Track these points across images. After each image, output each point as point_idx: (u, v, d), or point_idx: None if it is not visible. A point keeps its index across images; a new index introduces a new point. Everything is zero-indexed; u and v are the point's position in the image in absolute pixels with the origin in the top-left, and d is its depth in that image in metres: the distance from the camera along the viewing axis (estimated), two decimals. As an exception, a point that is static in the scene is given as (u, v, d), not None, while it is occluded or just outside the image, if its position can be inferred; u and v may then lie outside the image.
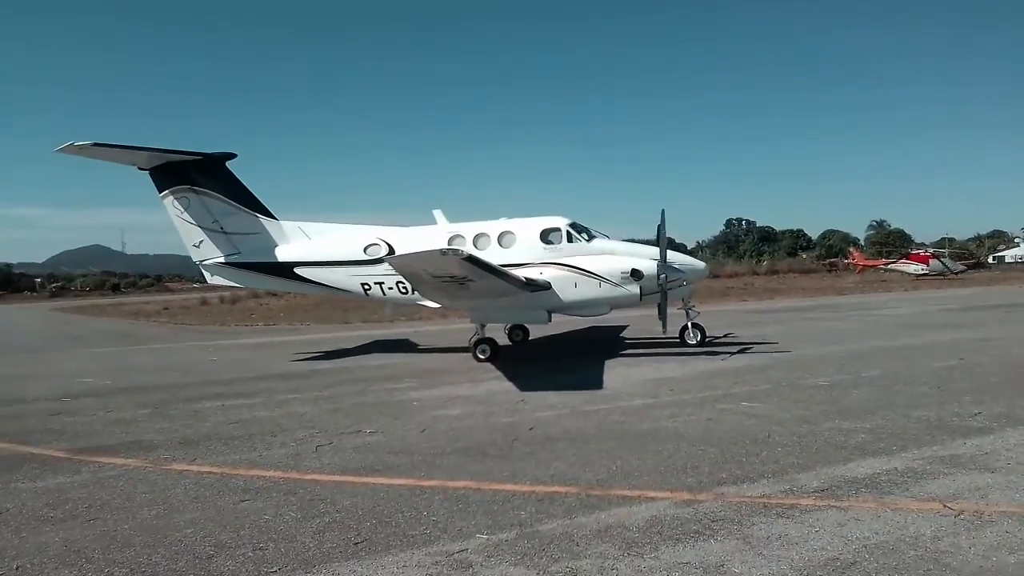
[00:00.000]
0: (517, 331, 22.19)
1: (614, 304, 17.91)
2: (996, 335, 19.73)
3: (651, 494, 7.19)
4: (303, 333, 30.11)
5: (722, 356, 17.11)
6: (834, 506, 6.69)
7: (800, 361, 16.00)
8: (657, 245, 18.97)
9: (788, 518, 6.41)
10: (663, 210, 18.06)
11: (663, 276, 17.36)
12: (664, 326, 17.62)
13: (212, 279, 21.34)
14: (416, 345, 23.21)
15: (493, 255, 19.02)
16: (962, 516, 6.32)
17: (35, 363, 22.62)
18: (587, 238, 19.01)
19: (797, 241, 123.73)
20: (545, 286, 17.41)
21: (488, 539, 6.17)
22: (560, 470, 8.12)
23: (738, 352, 17.81)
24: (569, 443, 9.36)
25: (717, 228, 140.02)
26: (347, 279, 19.68)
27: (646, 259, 17.56)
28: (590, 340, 22.37)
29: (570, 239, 18.96)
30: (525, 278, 17.07)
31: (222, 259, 20.80)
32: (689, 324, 19.40)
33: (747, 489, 7.25)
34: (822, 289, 51.76)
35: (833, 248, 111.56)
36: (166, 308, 55.33)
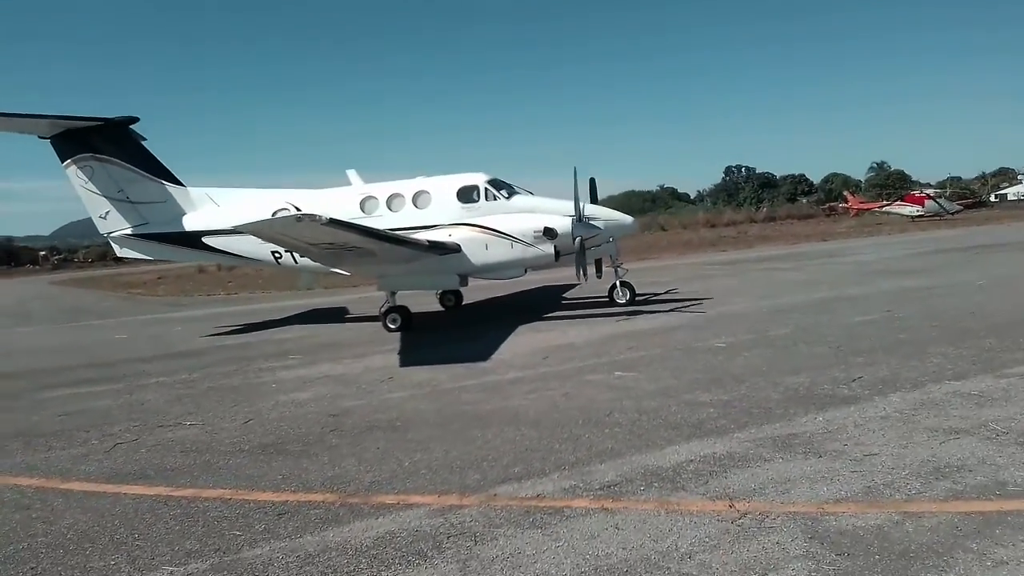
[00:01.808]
0: (449, 296, 21.15)
1: (529, 265, 16.83)
2: (944, 283, 18.58)
3: (415, 499, 6.22)
4: (256, 302, 29.14)
5: (618, 319, 16.03)
6: (606, 508, 5.70)
7: (716, 320, 14.97)
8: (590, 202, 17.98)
9: (541, 528, 5.43)
10: (575, 168, 16.81)
11: (578, 234, 16.21)
12: (582, 277, 16.46)
13: (121, 251, 20.35)
14: (347, 313, 22.24)
15: (408, 216, 18.06)
16: (742, 521, 5.32)
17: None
18: (507, 195, 17.85)
19: (798, 187, 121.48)
20: (454, 248, 16.32)
21: (172, 572, 5.19)
22: (343, 471, 7.14)
23: (661, 311, 16.75)
24: (385, 433, 8.39)
25: (718, 176, 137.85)
26: (256, 248, 18.53)
27: (560, 216, 16.39)
28: (523, 303, 21.33)
29: (488, 197, 17.81)
30: (428, 240, 16.00)
31: (130, 230, 19.78)
32: (618, 282, 18.34)
33: (526, 487, 6.27)
34: (810, 236, 50.41)
35: (833, 192, 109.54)
36: (160, 277, 53.90)
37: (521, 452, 7.24)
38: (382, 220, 17.95)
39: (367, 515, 5.95)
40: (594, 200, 18.89)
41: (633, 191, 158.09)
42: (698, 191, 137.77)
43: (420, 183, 18.46)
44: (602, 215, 17.67)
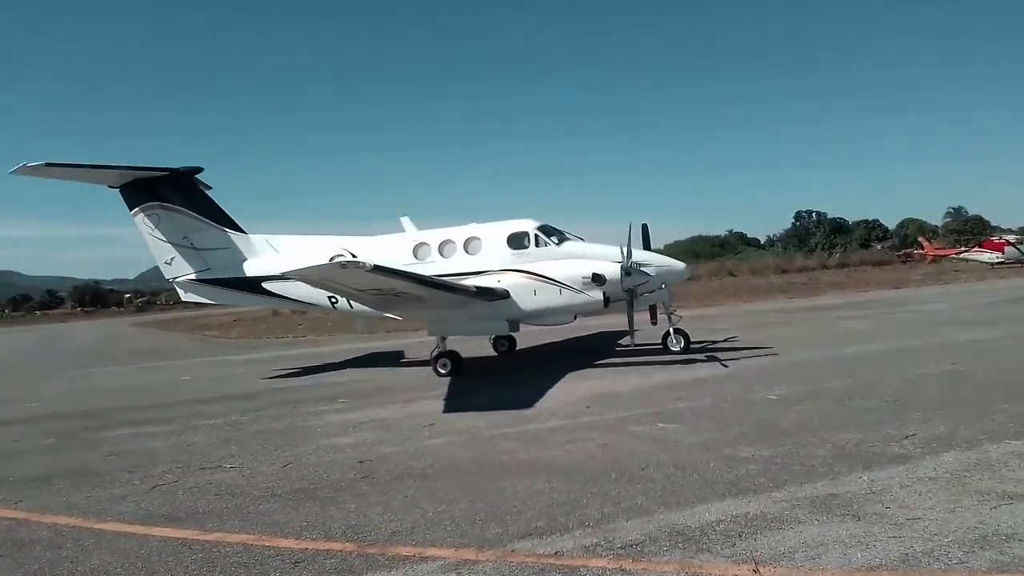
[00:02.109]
0: (502, 341, 21.12)
1: (578, 311, 16.72)
2: (1018, 334, 17.70)
3: (431, 552, 6.10)
4: (320, 345, 29.62)
5: (670, 367, 15.71)
6: (623, 569, 5.51)
7: (771, 370, 14.54)
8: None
9: (554, 588, 5.23)
10: (630, 224, 16.68)
11: (627, 281, 16.03)
12: (631, 334, 16.30)
13: (186, 296, 20.92)
14: (403, 357, 22.37)
15: (460, 262, 18.15)
16: (764, 587, 5.04)
17: (9, 387, 22.55)
18: (557, 242, 17.81)
19: (871, 232, 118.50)
20: (503, 295, 16.31)
21: (181, 618, 5.18)
22: (366, 519, 7.08)
23: (716, 360, 16.38)
24: (416, 481, 8.31)
25: (787, 221, 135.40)
26: (311, 293, 18.84)
27: (610, 262, 16.25)
28: (576, 349, 21.13)
29: (538, 243, 17.79)
30: (476, 287, 16.03)
31: (193, 276, 20.36)
32: (671, 330, 18.03)
33: (546, 544, 6.10)
34: (882, 283, 48.88)
35: (908, 238, 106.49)
36: (236, 320, 55.43)
37: (547, 506, 7.07)
38: (434, 266, 18.12)
39: (381, 567, 5.87)
40: (647, 246, 18.71)
41: (701, 236, 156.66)
42: (768, 236, 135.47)
43: (471, 230, 18.57)
44: (654, 261, 17.45)
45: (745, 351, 17.61)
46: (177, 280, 20.62)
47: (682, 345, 17.80)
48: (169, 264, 20.61)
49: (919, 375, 12.92)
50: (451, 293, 15.34)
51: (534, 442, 9.82)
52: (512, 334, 20.59)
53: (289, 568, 5.97)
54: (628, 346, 19.73)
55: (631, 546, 5.94)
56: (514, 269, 16.76)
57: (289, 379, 19.17)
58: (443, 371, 16.86)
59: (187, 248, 20.39)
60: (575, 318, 17.24)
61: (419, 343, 25.47)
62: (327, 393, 15.70)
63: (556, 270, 16.33)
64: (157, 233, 20.51)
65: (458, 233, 18.63)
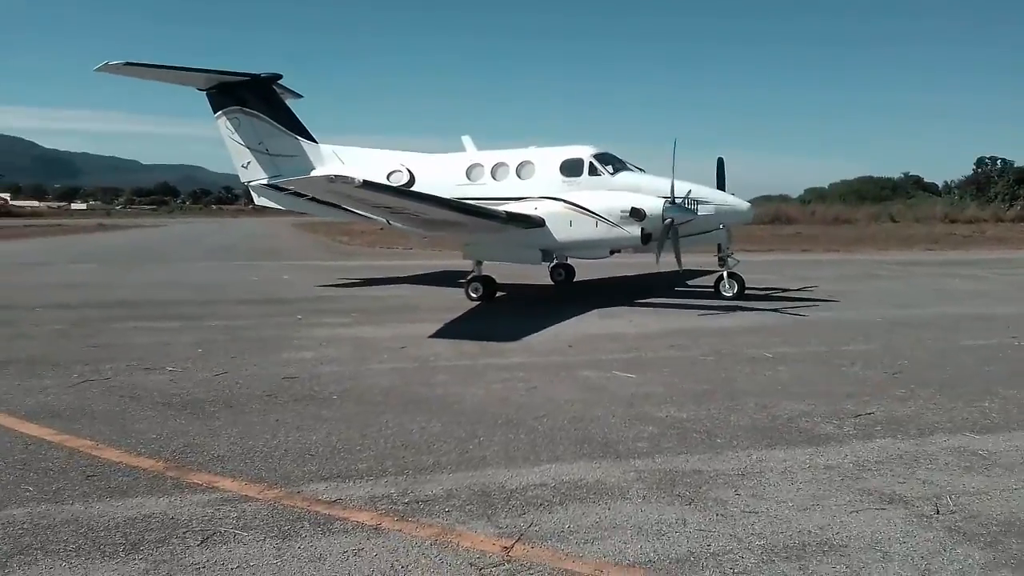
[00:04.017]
0: (559, 271, 20.48)
1: (614, 246, 15.80)
2: None
3: (222, 483, 5.83)
4: (420, 258, 30.02)
5: (703, 313, 14.64)
6: (378, 528, 5.03)
7: (805, 326, 13.35)
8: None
9: (284, 538, 4.86)
10: (675, 140, 15.45)
11: (670, 216, 14.94)
12: (679, 264, 15.24)
13: (259, 200, 21.45)
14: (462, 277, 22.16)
15: (511, 186, 17.61)
16: (495, 570, 4.46)
17: (109, 273, 24.02)
18: (612, 171, 16.85)
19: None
20: (539, 223, 15.64)
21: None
22: (207, 441, 6.83)
23: (762, 309, 15.18)
24: (305, 406, 8.05)
25: (968, 168, 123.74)
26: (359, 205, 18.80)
27: (653, 197, 15.18)
28: (628, 286, 20.19)
29: (592, 171, 16.91)
30: (507, 212, 15.42)
31: (265, 180, 20.78)
32: (725, 274, 16.82)
33: (338, 489, 5.69)
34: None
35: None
36: (382, 228, 56.70)
37: (391, 448, 6.64)
38: (485, 188, 17.67)
39: (158, 491, 5.64)
40: (721, 184, 17.46)
41: (871, 176, 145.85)
42: (945, 182, 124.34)
43: (526, 153, 17.89)
44: (714, 199, 16.20)
45: (804, 303, 16.22)
46: (251, 184, 21.14)
47: (735, 291, 16.58)
48: (246, 168, 21.11)
49: (960, 347, 11.41)
50: (459, 214, 14.79)
51: (471, 377, 9.35)
52: (570, 264, 20.09)
53: (80, 481, 5.85)
54: (685, 289, 18.73)
55: (417, 503, 5.44)
56: (552, 197, 15.98)
57: (340, 288, 19.47)
58: (474, 295, 16.52)
59: (262, 153, 20.78)
60: (612, 253, 16.32)
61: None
62: (350, 306, 15.74)
63: (595, 201, 15.44)
64: (236, 136, 20.99)
65: (513, 156, 17.98)
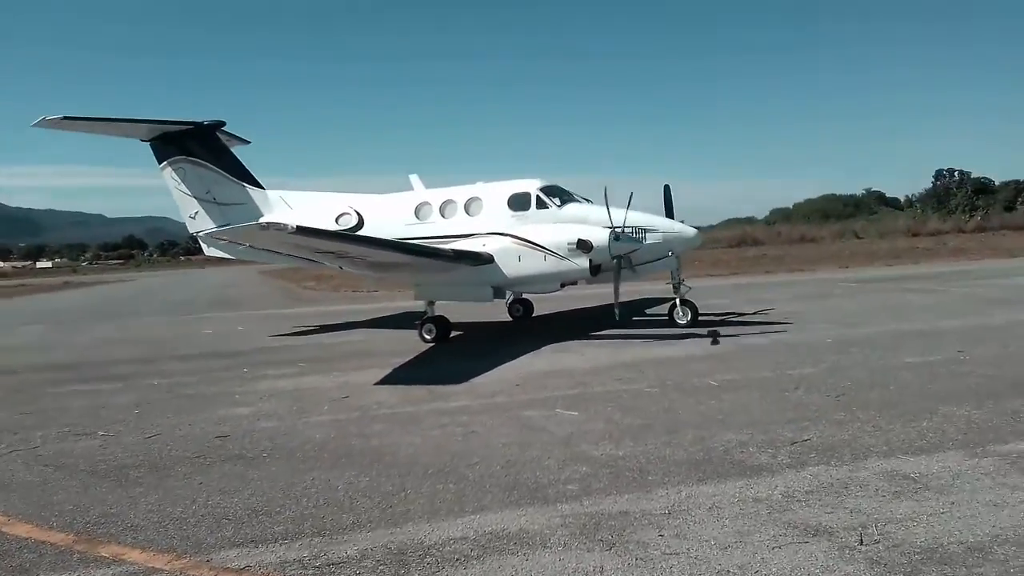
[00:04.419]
0: (517, 306, 20.40)
1: (564, 279, 15.74)
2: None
3: (128, 555, 5.60)
4: (383, 301, 29.74)
5: (649, 343, 14.55)
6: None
7: (751, 350, 13.34)
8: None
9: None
10: (605, 187, 15.46)
11: (616, 248, 14.92)
12: (616, 307, 15.18)
13: (208, 251, 21.19)
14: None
15: (460, 224, 17.50)
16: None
17: (59, 333, 23.53)
18: (559, 204, 16.81)
19: (1019, 193, 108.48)
20: (487, 259, 15.54)
21: None
22: (125, 510, 6.59)
23: (714, 336, 15.12)
24: (233, 466, 7.81)
25: (928, 181, 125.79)
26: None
27: (599, 228, 15.15)
28: (589, 317, 20.10)
29: (540, 205, 16.87)
30: (454, 250, 15.33)
31: (214, 230, 20.50)
32: (678, 301, 16.77)
33: (245, 556, 5.48)
34: (1013, 249, 44.61)
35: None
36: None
37: (312, 508, 6.42)
38: (434, 227, 17.58)
39: (62, 567, 5.41)
40: (669, 211, 17.50)
41: (833, 195, 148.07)
42: (906, 196, 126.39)
43: (474, 189, 17.85)
44: (661, 226, 16.20)
45: (757, 326, 16.23)
46: (200, 234, 20.87)
47: (688, 318, 16.54)
48: (193, 218, 20.89)
49: (905, 364, 11.37)
50: (402, 254, 14.67)
51: (410, 425, 9.16)
52: (528, 299, 20.00)
53: (-19, 560, 5.58)
54: (642, 318, 18.70)
55: (328, 565, 5.24)
56: (500, 232, 15.92)
57: (293, 337, 19.20)
58: (428, 337, 16.34)
59: (210, 203, 20.59)
60: (562, 287, 16.25)
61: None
62: (300, 356, 15.52)
63: (542, 234, 15.40)
64: (183, 187, 20.80)
65: (461, 193, 17.93)
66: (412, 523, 5.93)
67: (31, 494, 7.14)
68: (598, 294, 21.59)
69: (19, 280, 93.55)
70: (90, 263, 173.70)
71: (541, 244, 15.18)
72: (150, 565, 5.38)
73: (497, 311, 20.45)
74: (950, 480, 6.31)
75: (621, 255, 15.00)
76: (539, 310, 21.34)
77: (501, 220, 16.86)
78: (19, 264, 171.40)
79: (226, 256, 21.28)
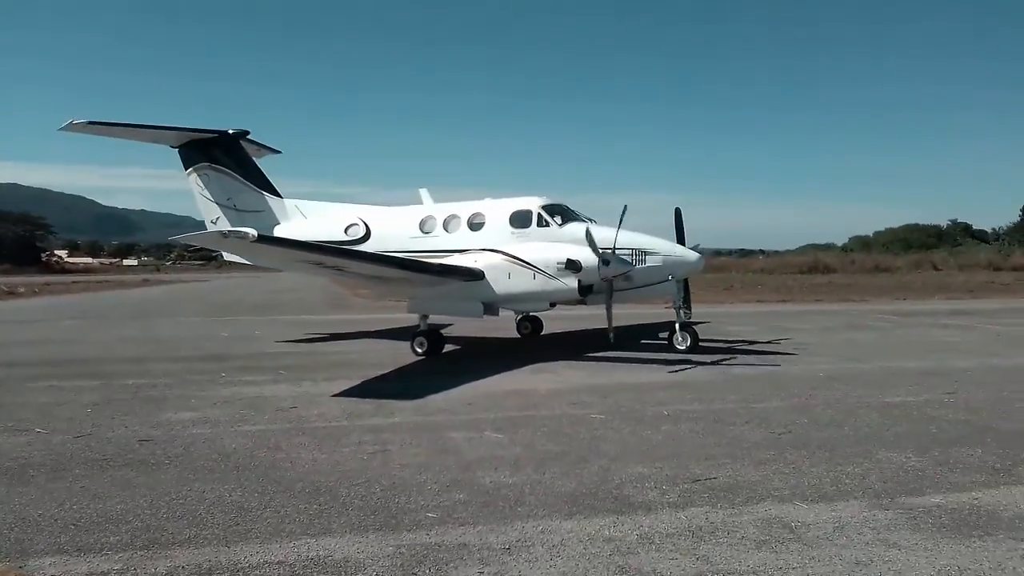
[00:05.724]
0: (526, 323, 20.13)
1: (552, 298, 15.40)
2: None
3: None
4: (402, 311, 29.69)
5: (631, 367, 14.06)
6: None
7: (737, 380, 12.86)
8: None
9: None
10: (624, 206, 15.09)
11: (606, 270, 14.55)
12: (609, 330, 14.81)
13: (228, 256, 21.47)
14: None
15: (462, 239, 17.38)
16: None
17: (85, 330, 24.16)
18: (560, 222, 16.52)
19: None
20: (478, 275, 15.36)
21: None
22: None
23: (701, 363, 14.61)
24: (132, 471, 7.77)
25: (1015, 214, 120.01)
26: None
27: (589, 249, 14.80)
28: (593, 338, 19.62)
29: (541, 222, 16.61)
30: (442, 265, 15.19)
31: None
32: (678, 326, 16.27)
33: (74, 563, 5.37)
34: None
35: None
36: None
37: (162, 520, 6.28)
38: (437, 240, 17.51)
39: None
40: (680, 236, 17.01)
41: (917, 224, 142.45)
42: (992, 228, 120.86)
43: (478, 205, 17.69)
44: (661, 249, 15.73)
45: (756, 356, 15.66)
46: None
47: (688, 343, 16.02)
48: (214, 224, 21.22)
49: (880, 404, 10.76)
50: (374, 265, 14.60)
51: (329, 440, 8.99)
52: (537, 317, 19.71)
53: None
54: (647, 343, 18.22)
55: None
56: (493, 249, 15.71)
57: (298, 344, 19.31)
58: (419, 350, 16.23)
59: (231, 209, 20.94)
60: (552, 306, 15.93)
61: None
62: (287, 363, 15.54)
63: (533, 253, 15.15)
64: (206, 192, 21.20)
65: (465, 208, 17.81)
66: (243, 543, 5.74)
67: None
68: (618, 314, 21.10)
69: (104, 276, 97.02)
70: (174, 263, 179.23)
71: (529, 262, 14.93)
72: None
73: (508, 327, 20.22)
74: (829, 532, 5.83)
75: (612, 277, 14.58)
76: (553, 328, 21.06)
77: (502, 237, 16.67)
78: (107, 261, 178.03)
79: (244, 262, 21.52)
